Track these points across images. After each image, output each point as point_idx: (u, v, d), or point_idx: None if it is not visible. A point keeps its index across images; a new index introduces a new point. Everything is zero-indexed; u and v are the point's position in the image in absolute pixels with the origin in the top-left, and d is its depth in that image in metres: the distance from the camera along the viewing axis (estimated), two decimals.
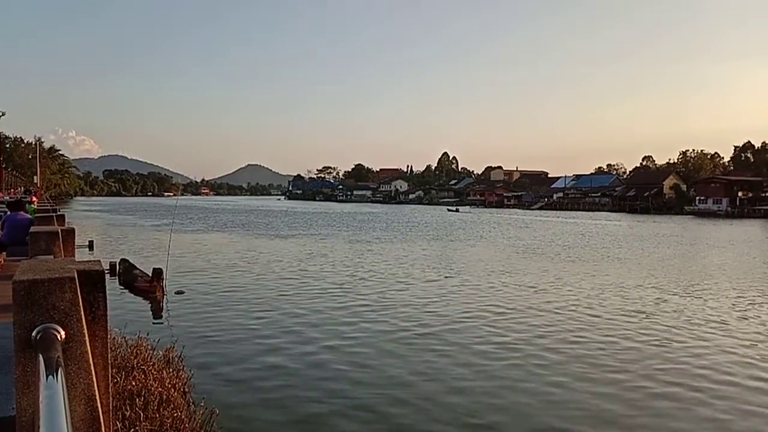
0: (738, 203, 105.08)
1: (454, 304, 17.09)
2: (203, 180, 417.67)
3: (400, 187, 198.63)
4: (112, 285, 19.62)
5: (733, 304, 17.58)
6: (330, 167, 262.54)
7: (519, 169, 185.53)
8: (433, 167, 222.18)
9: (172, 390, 7.89)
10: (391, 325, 14.27)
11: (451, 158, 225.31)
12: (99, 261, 3.01)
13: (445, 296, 18.36)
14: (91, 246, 30.81)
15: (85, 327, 2.43)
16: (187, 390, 8.60)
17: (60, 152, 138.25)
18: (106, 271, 20.31)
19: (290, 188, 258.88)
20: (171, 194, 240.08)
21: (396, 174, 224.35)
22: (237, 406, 8.75)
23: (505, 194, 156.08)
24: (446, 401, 9.19)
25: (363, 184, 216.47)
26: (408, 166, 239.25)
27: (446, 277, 22.69)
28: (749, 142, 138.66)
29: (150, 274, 18.47)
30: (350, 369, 10.71)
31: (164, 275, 18.13)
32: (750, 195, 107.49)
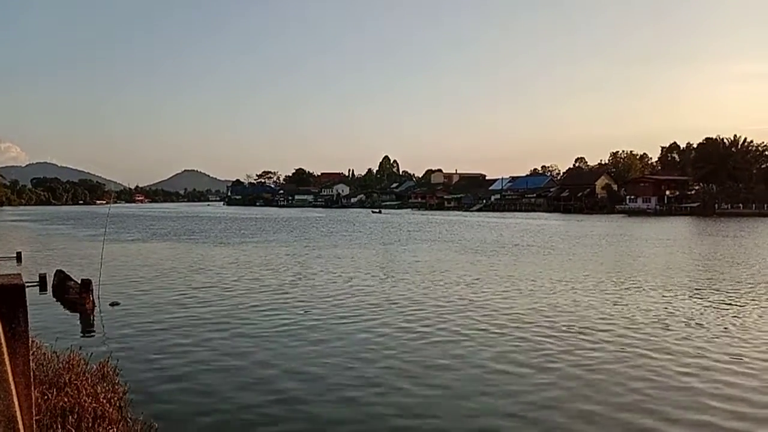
0: (666, 201, 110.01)
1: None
2: (137, 187, 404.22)
3: (342, 191, 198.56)
4: (43, 298, 18.85)
5: (656, 295, 18.30)
6: (270, 172, 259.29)
7: (458, 171, 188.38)
8: (374, 171, 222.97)
9: (108, 405, 7.60)
10: (335, 330, 14.20)
11: (392, 162, 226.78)
12: (20, 274, 2.86)
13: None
14: (19, 258, 29.49)
15: (3, 344, 2.29)
16: (123, 405, 8.29)
17: None
18: (34, 285, 19.51)
19: (229, 194, 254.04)
20: (104, 202, 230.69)
21: (338, 178, 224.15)
22: (176, 420, 8.50)
23: (445, 197, 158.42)
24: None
25: (304, 189, 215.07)
26: (350, 170, 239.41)
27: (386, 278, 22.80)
28: (675, 143, 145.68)
29: None
30: (290, 379, 10.57)
31: (93, 286, 17.32)
32: (677, 193, 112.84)
